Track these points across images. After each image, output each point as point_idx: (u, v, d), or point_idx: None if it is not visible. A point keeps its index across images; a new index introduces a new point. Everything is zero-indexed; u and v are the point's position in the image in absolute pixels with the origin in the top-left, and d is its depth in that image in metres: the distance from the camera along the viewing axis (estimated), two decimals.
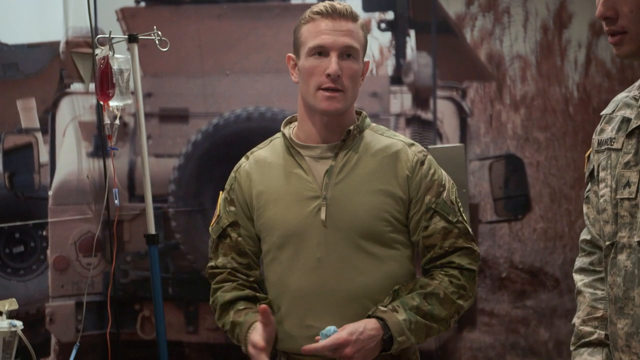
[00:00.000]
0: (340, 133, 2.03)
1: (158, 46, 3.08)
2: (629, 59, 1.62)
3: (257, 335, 1.96)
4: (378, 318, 1.95)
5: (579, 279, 1.80)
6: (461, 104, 3.82)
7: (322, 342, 1.91)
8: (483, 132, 3.81)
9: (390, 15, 3.79)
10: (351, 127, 2.03)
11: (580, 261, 1.83)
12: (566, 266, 3.77)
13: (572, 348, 1.78)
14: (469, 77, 3.82)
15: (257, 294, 2.09)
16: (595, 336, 1.72)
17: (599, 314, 1.75)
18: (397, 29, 3.79)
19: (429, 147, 3.66)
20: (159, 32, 3.08)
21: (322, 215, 1.99)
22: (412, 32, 3.79)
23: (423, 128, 3.81)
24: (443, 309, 1.99)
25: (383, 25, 3.81)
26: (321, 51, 1.98)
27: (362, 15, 3.80)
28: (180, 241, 3.92)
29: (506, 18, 3.77)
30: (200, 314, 3.94)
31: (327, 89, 1.97)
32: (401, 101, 3.80)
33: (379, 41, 3.80)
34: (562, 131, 3.75)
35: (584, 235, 1.82)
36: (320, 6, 2.00)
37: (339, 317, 1.99)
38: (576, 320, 1.79)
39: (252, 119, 3.86)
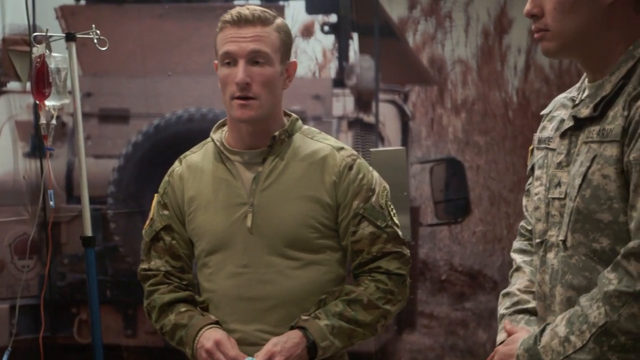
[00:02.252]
0: (267, 138, 2.02)
1: (97, 45, 3.03)
2: (554, 56, 1.66)
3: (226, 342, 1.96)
4: (300, 327, 1.96)
5: (519, 258, 1.83)
6: (403, 107, 3.84)
7: None
8: (424, 136, 3.84)
9: (333, 18, 3.80)
10: (276, 133, 2.01)
11: (520, 243, 1.87)
12: (504, 268, 3.81)
13: (504, 309, 1.80)
14: (411, 80, 3.84)
15: (196, 297, 2.09)
16: (532, 305, 1.76)
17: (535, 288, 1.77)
18: (340, 32, 3.80)
19: (371, 150, 3.68)
20: (98, 31, 3.03)
21: (248, 222, 1.99)
22: (355, 35, 3.80)
23: (365, 131, 3.82)
24: (367, 314, 2.00)
25: (326, 28, 3.82)
26: (230, 60, 1.96)
27: (305, 18, 3.80)
28: (120, 243, 3.87)
29: (448, 23, 3.80)
30: (139, 318, 3.89)
31: (239, 97, 1.95)
32: (344, 104, 3.80)
33: (322, 44, 3.81)
34: (502, 135, 3.80)
35: (524, 223, 1.85)
36: (229, 14, 1.98)
37: (264, 322, 2.00)
38: (512, 288, 1.81)
39: (194, 120, 3.82)
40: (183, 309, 2.06)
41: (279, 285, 1.99)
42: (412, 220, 3.73)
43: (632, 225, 1.50)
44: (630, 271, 1.48)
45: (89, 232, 3.09)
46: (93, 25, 3.04)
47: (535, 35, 1.64)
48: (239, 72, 1.94)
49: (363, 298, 2.00)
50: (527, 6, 1.63)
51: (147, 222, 2.14)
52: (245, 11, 1.96)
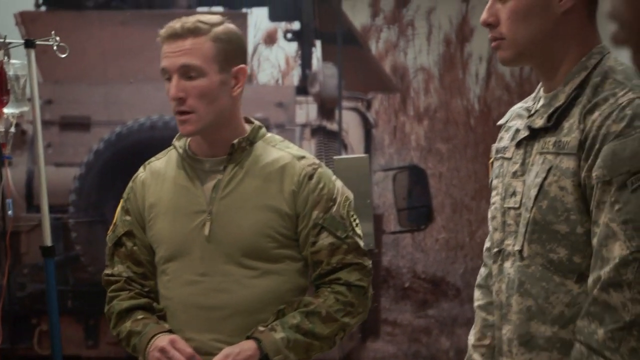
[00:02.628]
0: (227, 146, 2.01)
1: (56, 52, 3.00)
2: (510, 64, 1.67)
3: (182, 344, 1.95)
4: (255, 339, 1.95)
5: (476, 297, 1.84)
6: (366, 115, 3.85)
7: None
8: (387, 143, 3.85)
9: (296, 25, 3.80)
10: (235, 141, 2.00)
11: (480, 274, 1.87)
12: (467, 275, 3.83)
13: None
14: (374, 88, 3.86)
15: (154, 304, 2.07)
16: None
17: (487, 342, 1.79)
18: (303, 39, 3.80)
19: (334, 157, 3.68)
20: (57, 38, 3.00)
21: (206, 231, 1.98)
22: (318, 43, 3.81)
23: (328, 138, 3.82)
24: (325, 327, 1.98)
25: (289, 36, 3.82)
26: (167, 75, 1.96)
27: (268, 26, 3.80)
28: (81, 252, 3.83)
29: (410, 31, 3.82)
30: (100, 328, 3.85)
31: (177, 113, 1.95)
32: (307, 111, 3.80)
33: (285, 51, 3.81)
34: (464, 143, 3.83)
35: (486, 243, 1.86)
36: (163, 29, 1.98)
37: (220, 331, 1.99)
38: (470, 338, 1.84)
39: (156, 128, 3.80)
40: (140, 317, 2.05)
41: (235, 294, 1.98)
42: (376, 228, 3.73)
43: (594, 241, 1.50)
44: (613, 304, 1.45)
45: (48, 241, 3.05)
46: (53, 32, 3.01)
47: (492, 45, 1.65)
48: (171, 87, 1.94)
49: (321, 310, 1.98)
50: (483, 15, 1.65)
51: (111, 227, 2.14)
52: (175, 25, 1.95)
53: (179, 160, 2.06)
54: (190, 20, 1.96)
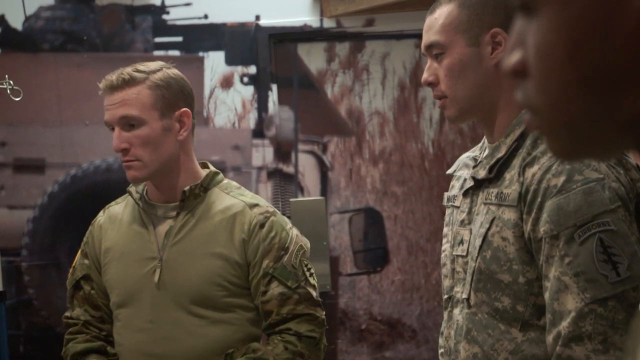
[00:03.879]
0: (179, 193, 2.01)
1: (10, 95, 2.99)
2: (457, 122, 1.70)
3: None
4: None
5: (440, 344, 1.85)
6: (322, 157, 3.88)
7: None
8: (343, 186, 3.88)
9: (252, 69, 3.83)
10: (186, 188, 2.00)
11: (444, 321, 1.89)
12: (423, 317, 3.85)
13: None
14: (329, 131, 3.89)
15: (109, 348, 2.06)
16: None
17: None
18: (259, 83, 3.83)
19: (291, 200, 3.69)
20: (11, 81, 2.99)
21: (156, 277, 1.98)
22: (274, 87, 3.84)
23: (285, 181, 3.84)
24: None
25: (246, 79, 3.84)
26: (111, 127, 1.98)
27: (225, 69, 3.82)
28: (34, 296, 3.77)
29: (365, 75, 3.88)
30: None
31: (124, 161, 1.97)
32: (263, 154, 3.82)
33: (242, 94, 3.83)
34: (419, 185, 3.87)
35: (444, 294, 1.88)
36: (101, 82, 1.99)
37: None
38: None
39: (112, 170, 3.78)
40: None
41: (184, 343, 1.97)
42: (332, 270, 3.74)
43: (546, 295, 1.53)
44: (577, 357, 1.46)
45: (0, 285, 3.01)
46: (6, 75, 3.00)
47: (438, 105, 1.69)
48: (114, 139, 1.95)
49: (269, 358, 1.97)
50: (424, 75, 1.67)
51: (71, 269, 2.14)
52: (112, 77, 1.96)
53: (135, 206, 2.06)
54: (126, 71, 1.97)
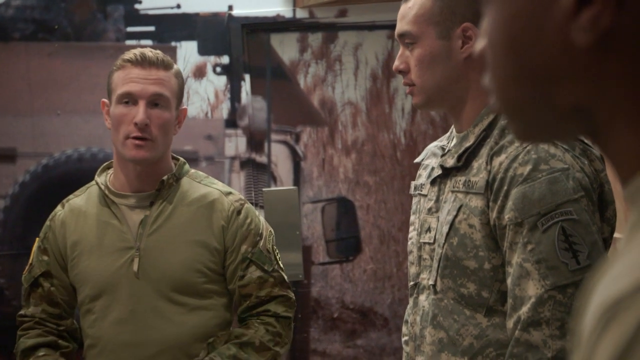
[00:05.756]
0: (155, 182, 2.02)
1: None
2: (422, 109, 1.75)
3: None
4: None
5: (403, 332, 1.88)
6: (295, 147, 3.90)
7: None
8: (316, 176, 3.90)
9: (225, 59, 3.84)
10: (165, 177, 2.02)
11: (407, 309, 1.92)
12: (394, 305, 3.89)
13: None
14: (302, 121, 3.91)
15: (60, 342, 2.06)
16: None
17: None
18: (232, 73, 3.83)
19: (264, 189, 3.71)
20: None
21: (135, 267, 1.99)
22: (247, 77, 3.85)
23: (257, 171, 3.85)
24: (260, 357, 2.02)
25: (218, 69, 3.85)
26: (129, 99, 1.97)
27: (197, 59, 3.83)
28: (5, 286, 3.75)
29: (338, 66, 3.90)
30: None
31: (135, 138, 1.96)
32: (236, 144, 3.83)
33: (214, 84, 3.83)
34: (391, 175, 3.90)
35: (410, 281, 1.91)
36: (131, 53, 1.99)
37: None
38: None
39: (84, 160, 3.77)
40: (41, 354, 2.04)
41: (165, 331, 1.98)
42: (305, 259, 3.76)
43: (508, 281, 1.57)
44: (534, 342, 1.49)
45: None
46: None
47: (407, 91, 1.73)
48: (140, 112, 1.94)
49: (255, 341, 2.01)
50: (396, 62, 1.71)
51: (27, 267, 2.11)
52: (149, 53, 1.98)
53: (101, 197, 2.05)
54: (159, 53, 1.99)
